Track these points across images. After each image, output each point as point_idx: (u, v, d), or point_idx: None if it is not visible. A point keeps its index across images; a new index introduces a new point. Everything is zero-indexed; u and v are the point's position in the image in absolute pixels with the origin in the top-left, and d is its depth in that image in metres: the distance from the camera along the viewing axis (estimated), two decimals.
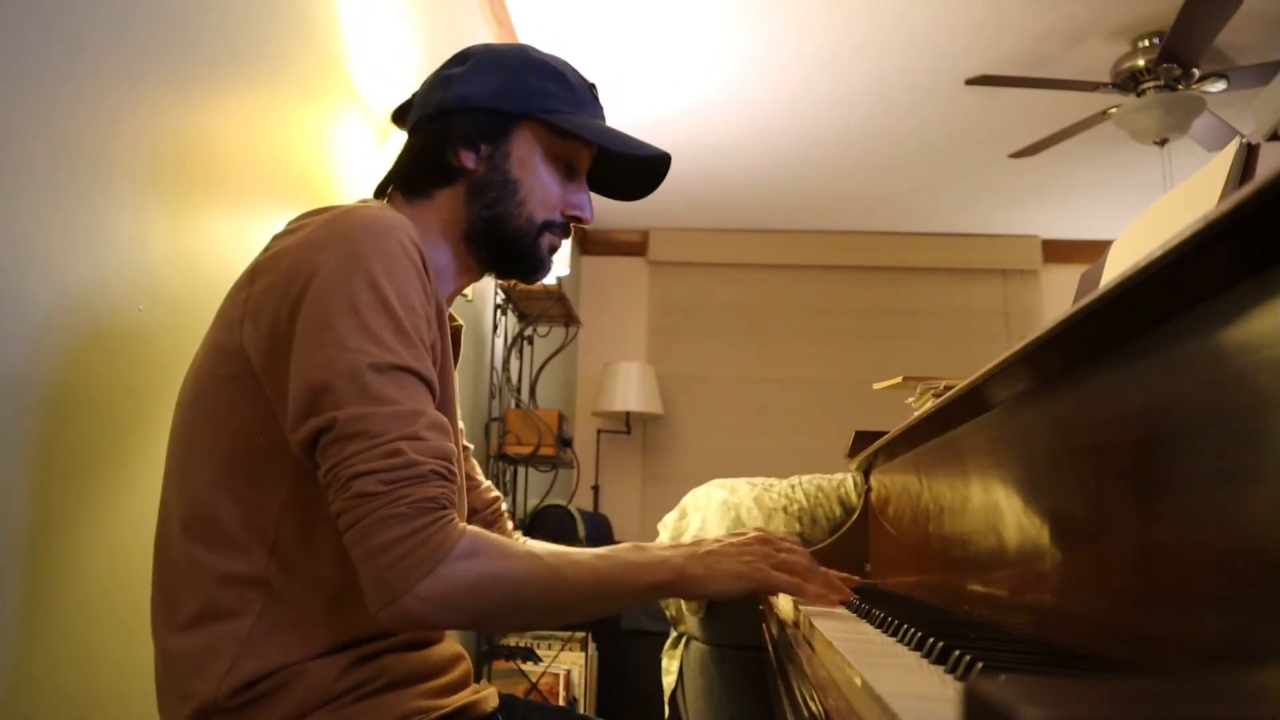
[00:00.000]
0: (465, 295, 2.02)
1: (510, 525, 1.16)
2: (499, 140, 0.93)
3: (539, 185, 0.94)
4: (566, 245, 3.02)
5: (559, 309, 3.02)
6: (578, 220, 0.98)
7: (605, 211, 4.41)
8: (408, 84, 1.96)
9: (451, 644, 0.92)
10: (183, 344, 1.15)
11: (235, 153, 1.29)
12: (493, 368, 2.86)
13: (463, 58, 0.98)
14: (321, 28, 1.56)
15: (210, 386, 0.82)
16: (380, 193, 0.99)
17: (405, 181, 0.96)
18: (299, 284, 0.76)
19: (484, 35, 2.68)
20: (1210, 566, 0.49)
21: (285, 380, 0.75)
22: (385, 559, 0.71)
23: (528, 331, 3.05)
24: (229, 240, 1.27)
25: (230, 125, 1.27)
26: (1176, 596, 0.53)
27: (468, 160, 0.93)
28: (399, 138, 1.72)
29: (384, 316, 0.75)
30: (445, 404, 0.84)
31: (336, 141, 1.63)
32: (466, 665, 0.93)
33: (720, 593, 0.88)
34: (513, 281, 1.08)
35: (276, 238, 0.84)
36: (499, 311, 2.89)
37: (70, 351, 0.96)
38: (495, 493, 1.14)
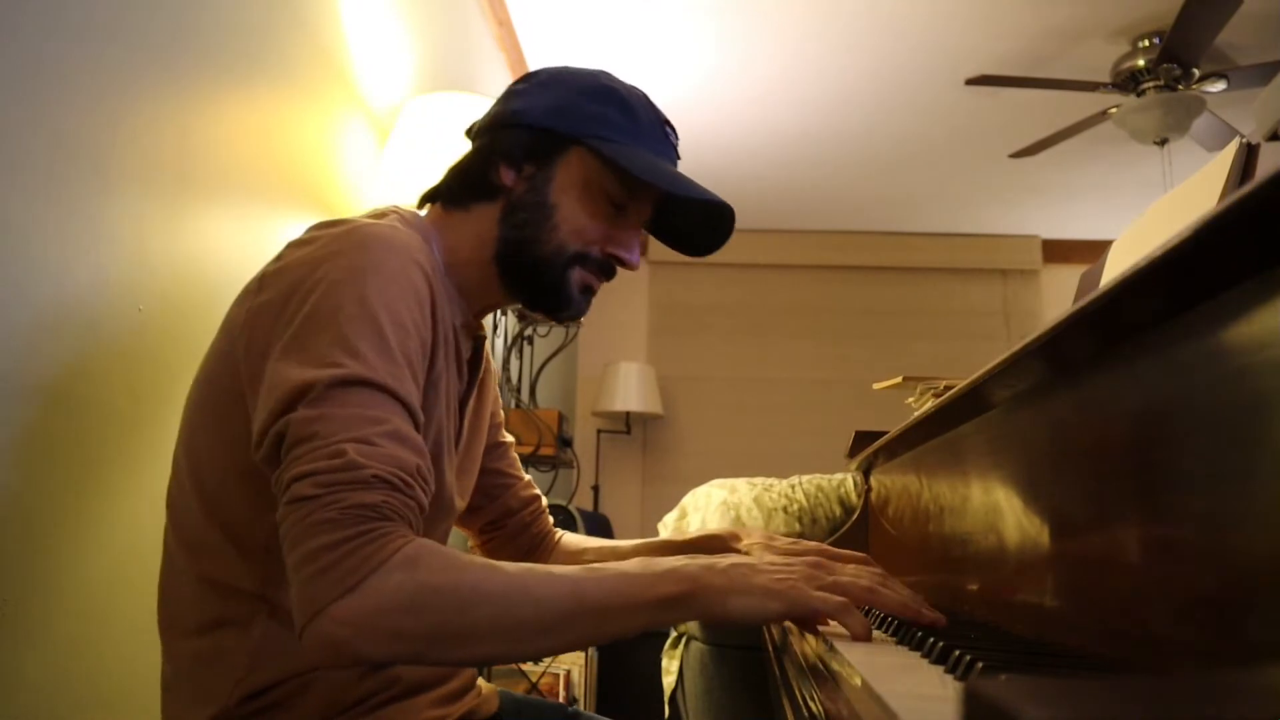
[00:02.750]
0: None
1: (550, 522, 1.12)
2: (544, 161, 0.88)
3: (576, 214, 0.88)
4: None
5: None
6: (620, 261, 0.91)
7: None
8: (408, 84, 1.97)
9: None
10: (183, 344, 1.15)
11: (235, 153, 1.29)
12: None
13: (534, 75, 0.94)
14: (322, 27, 1.56)
15: (211, 398, 0.80)
16: (425, 200, 0.96)
17: (448, 191, 0.92)
18: (296, 301, 0.73)
19: (484, 35, 2.68)
20: (1210, 566, 0.49)
21: (259, 398, 0.71)
22: (306, 571, 0.62)
23: (528, 331, 3.05)
24: (229, 241, 1.27)
25: (230, 125, 1.27)
26: (1176, 596, 0.53)
27: (508, 177, 0.88)
28: (399, 137, 1.72)
29: (366, 329, 0.70)
30: (430, 423, 0.81)
31: (337, 142, 1.63)
32: (473, 669, 0.92)
33: (746, 612, 0.69)
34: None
35: (290, 245, 0.81)
36: (499, 311, 2.89)
37: (70, 352, 0.96)
38: (534, 490, 1.10)
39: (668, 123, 0.93)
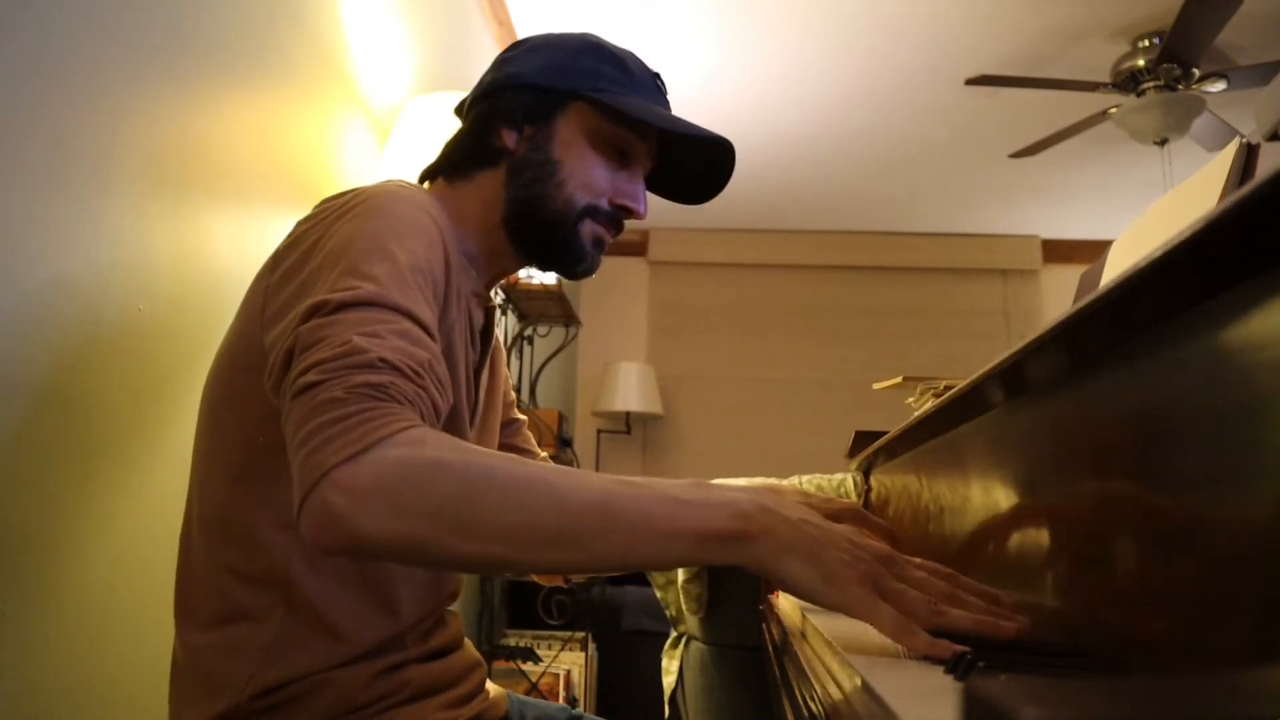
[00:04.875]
0: None
1: None
2: (543, 120, 0.89)
3: (582, 168, 0.88)
4: None
5: (559, 309, 3.02)
6: (627, 212, 0.91)
7: None
8: (408, 84, 1.96)
9: (470, 651, 0.92)
10: (183, 344, 1.15)
11: (235, 152, 1.29)
12: None
13: (522, 42, 0.95)
14: (322, 28, 1.56)
15: (231, 380, 0.80)
16: (424, 178, 0.96)
17: (448, 164, 0.93)
18: (313, 260, 0.73)
19: (484, 35, 2.68)
20: (1210, 566, 0.49)
21: None
22: (308, 447, 0.58)
23: (528, 331, 3.05)
24: (229, 240, 1.27)
25: (231, 124, 1.27)
26: (1176, 596, 0.53)
27: (509, 140, 0.89)
28: (399, 137, 1.72)
29: (377, 257, 0.69)
30: (455, 381, 0.80)
31: (337, 141, 1.63)
32: (483, 673, 0.92)
33: (799, 581, 0.60)
34: (558, 276, 0.97)
35: (299, 223, 0.81)
36: (499, 311, 2.89)
37: (70, 352, 0.96)
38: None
39: (658, 76, 0.95)
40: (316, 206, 0.82)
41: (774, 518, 0.61)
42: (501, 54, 0.95)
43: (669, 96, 0.97)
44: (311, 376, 0.61)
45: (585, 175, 0.89)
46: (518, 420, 1.08)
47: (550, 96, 0.89)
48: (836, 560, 0.60)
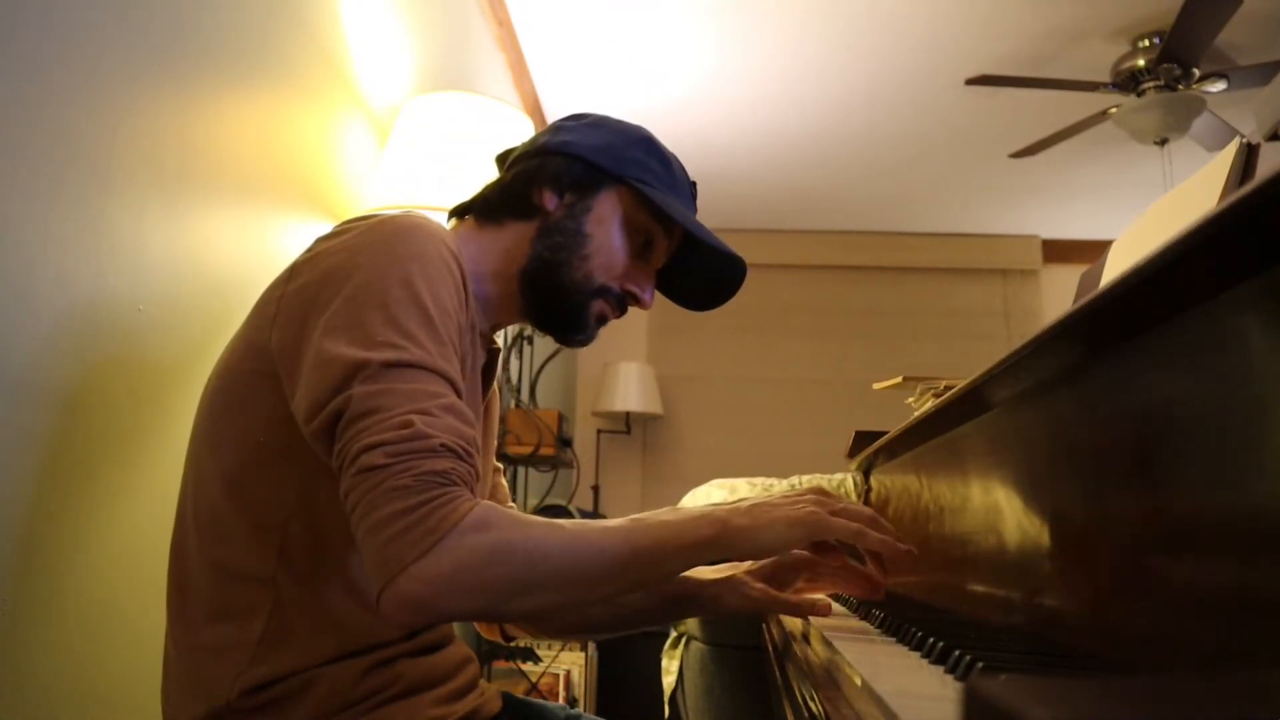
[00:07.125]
0: None
1: None
2: (585, 193, 0.93)
3: (608, 247, 0.93)
4: None
5: None
6: (634, 299, 0.97)
7: None
8: (408, 84, 1.96)
9: (460, 647, 0.92)
10: (183, 344, 1.15)
11: (236, 153, 1.29)
12: None
13: (581, 116, 1.00)
14: (322, 27, 1.56)
15: (234, 382, 0.82)
16: (454, 214, 0.99)
17: (483, 207, 0.97)
18: (335, 283, 0.75)
19: (484, 35, 2.68)
20: (1210, 566, 0.49)
21: (301, 373, 0.73)
22: (383, 535, 0.65)
23: (527, 331, 3.05)
24: (229, 241, 1.27)
25: (231, 124, 1.27)
26: (1176, 596, 0.53)
27: (549, 201, 0.93)
28: (399, 137, 1.72)
29: (414, 312, 0.73)
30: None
31: (337, 141, 1.63)
32: (475, 668, 0.93)
33: (773, 542, 0.77)
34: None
35: (319, 240, 0.83)
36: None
37: (70, 352, 0.96)
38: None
39: (694, 184, 1.01)
40: (338, 226, 0.84)
41: (735, 514, 0.77)
42: (559, 121, 1.00)
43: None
44: (377, 459, 0.66)
45: (609, 255, 0.94)
46: (497, 468, 1.09)
47: (597, 173, 0.94)
48: (787, 512, 0.78)
